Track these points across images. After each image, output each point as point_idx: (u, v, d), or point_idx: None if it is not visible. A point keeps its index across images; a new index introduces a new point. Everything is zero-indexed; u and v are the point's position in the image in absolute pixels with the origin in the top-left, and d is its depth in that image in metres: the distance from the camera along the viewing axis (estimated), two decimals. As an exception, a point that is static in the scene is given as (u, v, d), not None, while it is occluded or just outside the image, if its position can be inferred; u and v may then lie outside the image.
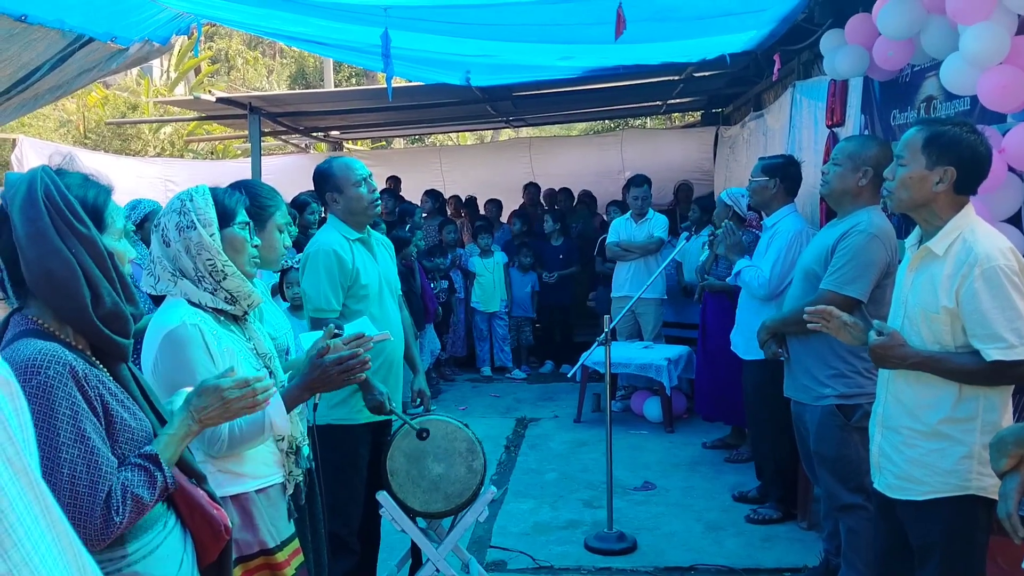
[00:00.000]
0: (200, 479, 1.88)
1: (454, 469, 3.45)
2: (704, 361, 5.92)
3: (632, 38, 5.01)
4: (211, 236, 2.24)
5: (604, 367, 6.41)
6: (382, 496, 3.45)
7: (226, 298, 2.28)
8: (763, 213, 4.71)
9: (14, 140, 10.23)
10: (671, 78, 8.35)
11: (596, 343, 4.41)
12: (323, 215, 6.59)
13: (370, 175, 3.58)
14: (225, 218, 2.30)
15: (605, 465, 4.51)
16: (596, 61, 6.77)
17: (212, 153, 14.87)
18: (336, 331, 2.73)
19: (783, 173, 4.54)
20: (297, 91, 15.43)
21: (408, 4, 4.52)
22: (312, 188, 3.87)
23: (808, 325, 2.79)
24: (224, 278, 2.25)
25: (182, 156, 14.10)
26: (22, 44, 5.06)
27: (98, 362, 1.71)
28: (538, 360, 8.91)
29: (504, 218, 10.12)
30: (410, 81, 8.04)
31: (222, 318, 2.31)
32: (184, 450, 1.82)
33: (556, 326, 8.78)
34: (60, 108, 14.06)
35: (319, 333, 2.85)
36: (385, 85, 8.68)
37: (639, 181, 7.30)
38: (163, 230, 2.27)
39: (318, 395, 2.43)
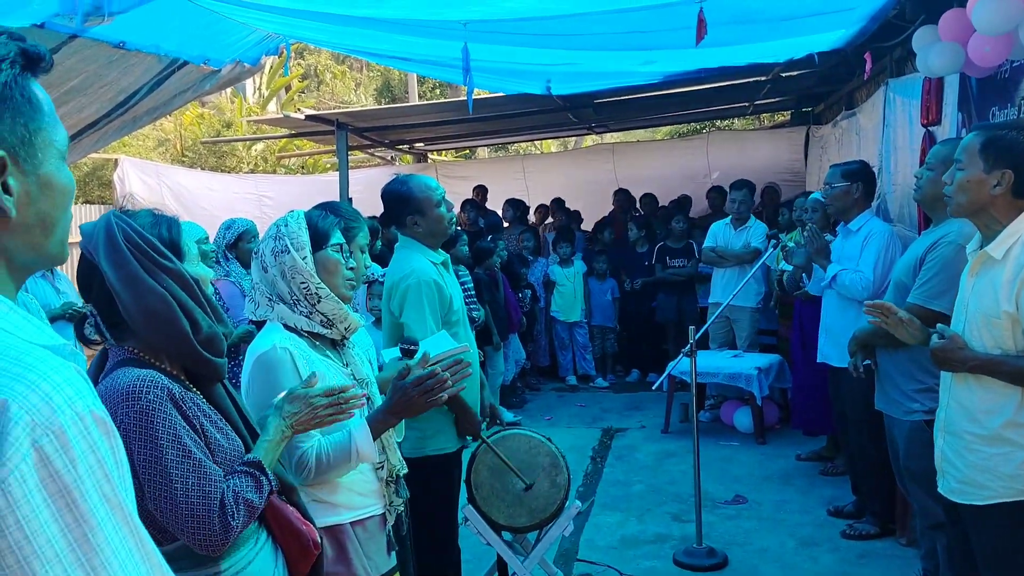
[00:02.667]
0: (290, 492, 1.92)
1: (538, 484, 3.43)
2: (801, 371, 5.73)
3: (715, 41, 4.91)
4: (303, 259, 2.26)
5: (691, 376, 6.37)
6: (469, 510, 3.46)
7: (322, 321, 2.29)
8: (842, 219, 4.58)
9: (116, 160, 10.74)
10: (758, 79, 8.17)
11: (682, 353, 4.32)
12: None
13: (445, 192, 3.45)
14: (319, 241, 2.32)
15: (693, 477, 4.42)
16: (679, 65, 6.68)
17: (303, 168, 15.28)
18: (411, 347, 2.76)
19: (864, 177, 4.45)
20: (382, 106, 15.71)
21: (487, 18, 4.54)
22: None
23: (869, 321, 2.82)
24: (318, 301, 2.27)
25: (274, 171, 14.53)
26: (121, 69, 5.30)
27: (192, 386, 1.78)
28: (624, 369, 8.82)
29: (588, 225, 10.06)
30: (492, 92, 8.09)
31: (318, 343, 2.32)
32: (277, 465, 1.88)
33: (642, 335, 8.66)
34: (158, 128, 14.66)
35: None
36: (481, 96, 8.82)
37: (739, 185, 7.12)
38: (261, 256, 2.31)
39: None
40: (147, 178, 10.48)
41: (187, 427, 1.67)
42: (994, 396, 2.47)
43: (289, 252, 2.26)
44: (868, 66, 5.95)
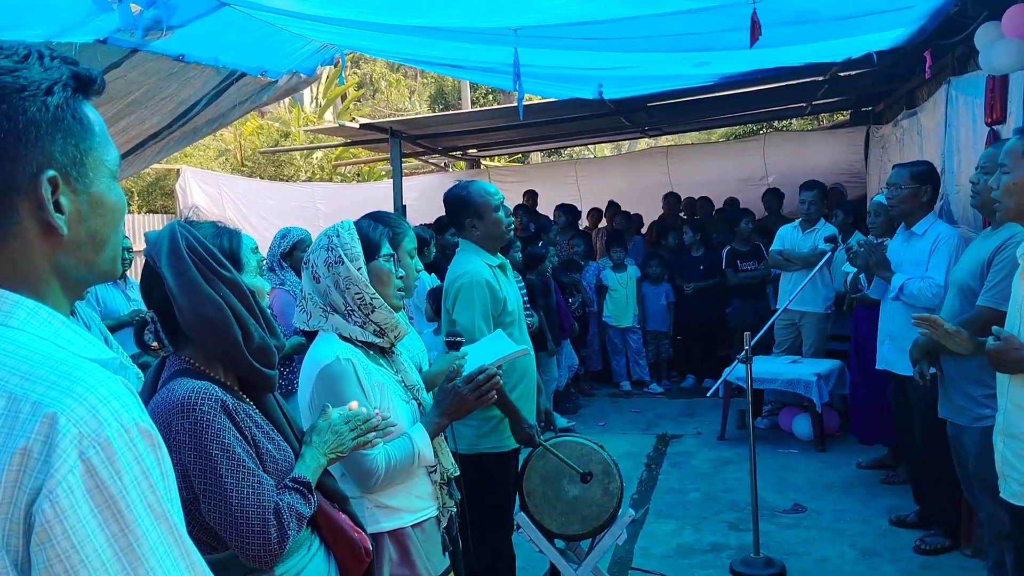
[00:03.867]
0: (342, 501, 1.95)
1: (590, 491, 3.41)
2: (859, 378, 5.59)
3: (769, 42, 4.83)
4: (358, 270, 2.29)
5: (747, 383, 6.26)
6: (521, 517, 3.45)
7: (375, 331, 2.32)
8: (904, 222, 4.44)
9: (178, 170, 11.02)
10: (815, 79, 8.02)
11: (736, 360, 4.25)
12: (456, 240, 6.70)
13: (504, 198, 3.59)
14: (370, 251, 2.35)
15: (750, 486, 4.34)
16: (733, 66, 6.59)
17: (358, 175, 15.48)
18: (457, 339, 2.80)
19: (932, 179, 4.31)
20: (435, 114, 15.85)
21: (537, 23, 4.54)
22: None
23: (920, 339, 2.73)
24: (373, 311, 2.30)
25: (330, 180, 14.75)
26: (181, 82, 5.43)
27: (245, 396, 1.82)
28: (679, 374, 8.71)
29: (643, 230, 9.99)
30: (543, 98, 8.09)
31: (371, 352, 2.35)
32: (328, 477, 1.92)
33: (697, 339, 8.56)
34: (219, 138, 15.01)
35: (470, 362, 2.90)
36: (532, 102, 8.83)
37: (809, 185, 6.91)
38: (313, 267, 2.33)
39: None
40: (208, 187, 10.74)
41: (240, 438, 1.71)
42: None
43: (344, 263, 2.28)
44: (928, 64, 5.80)
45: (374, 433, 1.99)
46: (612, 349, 8.58)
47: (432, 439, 2.32)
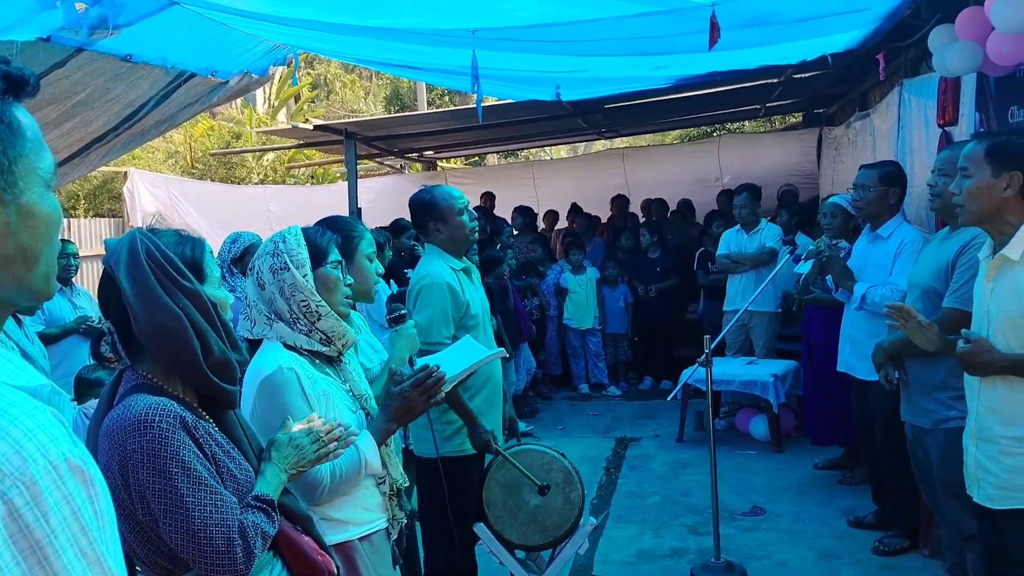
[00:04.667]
0: (304, 522, 1.89)
1: (551, 500, 3.36)
2: (812, 380, 5.63)
3: (727, 45, 4.83)
4: (304, 277, 2.22)
5: (706, 383, 6.28)
6: (479, 528, 3.39)
7: (321, 339, 2.25)
8: (870, 223, 4.42)
9: (125, 173, 10.74)
10: (769, 81, 8.09)
11: (697, 363, 4.23)
12: (415, 244, 6.64)
13: (468, 203, 3.57)
14: (317, 258, 2.28)
15: (710, 488, 4.32)
16: (690, 69, 6.60)
17: (312, 177, 15.27)
18: (402, 312, 2.80)
19: (901, 181, 4.30)
20: (391, 115, 15.72)
21: (495, 25, 4.48)
22: (408, 212, 3.82)
23: (888, 324, 2.81)
24: (319, 319, 2.23)
25: (284, 182, 14.52)
26: (128, 83, 5.27)
27: (204, 413, 1.75)
28: (637, 376, 8.72)
29: (597, 232, 9.99)
30: (501, 99, 8.03)
31: (317, 360, 2.28)
32: (288, 496, 1.85)
33: (655, 341, 8.57)
34: (168, 140, 14.68)
35: (430, 360, 2.84)
36: (490, 103, 8.76)
37: (740, 189, 7.04)
38: (258, 273, 2.26)
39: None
40: (156, 190, 10.48)
41: (200, 455, 1.64)
42: None
43: (289, 269, 2.21)
44: (882, 67, 5.86)
45: (335, 444, 1.92)
46: (571, 352, 8.56)
47: (380, 445, 2.24)
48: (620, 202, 10.15)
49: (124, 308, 1.66)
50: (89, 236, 11.10)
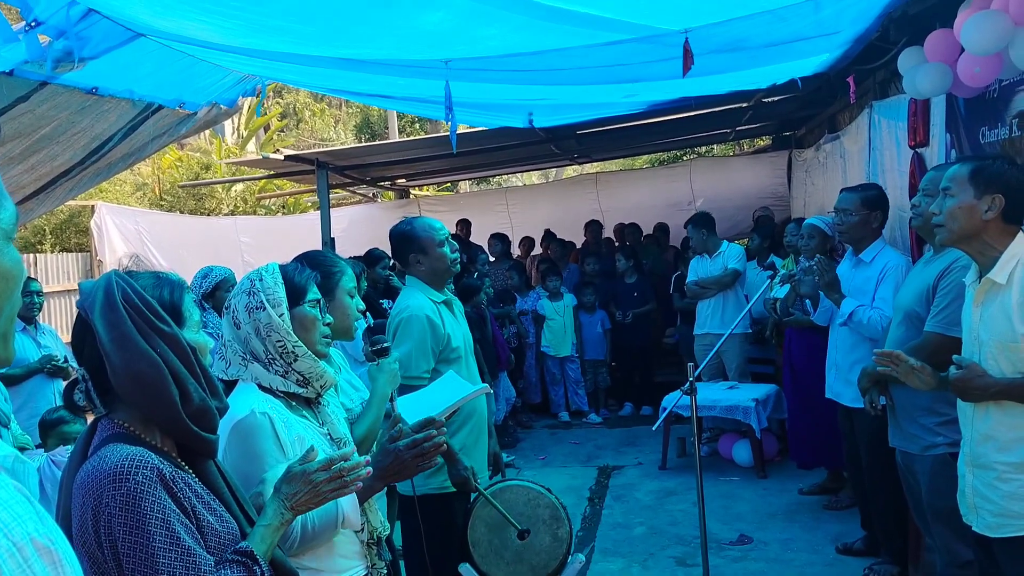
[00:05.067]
0: None
1: (538, 538, 3.27)
2: (796, 403, 5.60)
3: (700, 71, 4.84)
4: (280, 316, 2.14)
5: (688, 408, 6.23)
6: (465, 569, 3.28)
7: (298, 380, 2.17)
8: (852, 247, 4.39)
9: (93, 206, 10.57)
10: (739, 105, 8.13)
11: (680, 391, 4.17)
12: (390, 275, 6.57)
13: (449, 234, 3.51)
14: (295, 296, 2.20)
15: (696, 517, 4.25)
16: (662, 95, 6.62)
17: (283, 207, 15.13)
18: (384, 345, 2.74)
19: (882, 204, 4.27)
20: (362, 144, 15.65)
21: (468, 55, 4.45)
22: (381, 241, 3.76)
23: (877, 369, 2.69)
24: (295, 359, 2.15)
25: (255, 212, 14.37)
26: (94, 116, 5.17)
27: (184, 464, 1.67)
28: (617, 403, 8.66)
29: (572, 257, 9.97)
30: (474, 127, 8.01)
31: (294, 403, 2.20)
32: (277, 551, 1.76)
33: (634, 367, 8.52)
34: (136, 172, 14.49)
35: (413, 397, 2.75)
36: (448, 133, 8.73)
37: (687, 223, 7.31)
38: (233, 312, 2.19)
39: None
40: (124, 224, 10.33)
41: (177, 511, 1.55)
42: (1021, 421, 2.45)
43: (265, 309, 2.13)
44: (852, 89, 5.90)
45: (351, 488, 1.83)
46: (550, 379, 8.48)
47: (363, 502, 2.16)
48: (594, 227, 10.15)
49: (99, 354, 1.58)
50: (56, 271, 10.89)
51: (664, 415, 4.51)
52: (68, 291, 10.94)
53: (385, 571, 2.28)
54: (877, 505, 4.26)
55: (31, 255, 10.77)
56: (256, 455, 2.02)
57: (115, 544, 1.49)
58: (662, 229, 10.30)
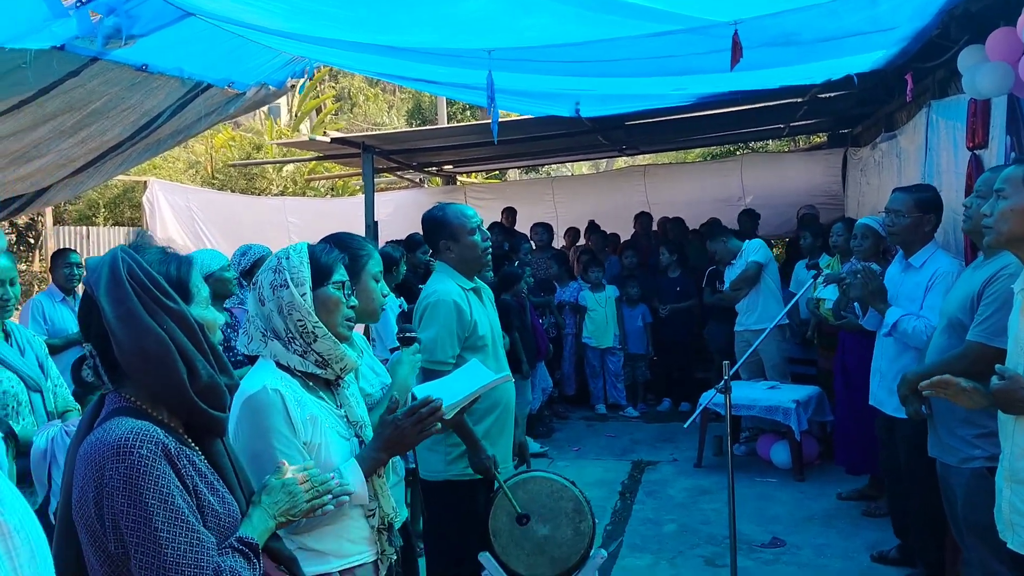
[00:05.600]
0: (289, 563, 1.80)
1: (560, 531, 3.24)
2: (847, 406, 5.43)
3: (750, 64, 4.72)
4: (303, 296, 2.13)
5: (724, 409, 6.12)
6: (484, 558, 3.27)
7: (317, 361, 2.16)
8: (903, 250, 4.23)
9: (145, 183, 10.76)
10: (794, 100, 7.96)
11: (715, 389, 4.09)
12: (430, 260, 6.57)
13: (482, 222, 3.48)
14: (320, 277, 2.19)
15: (728, 518, 4.17)
16: (711, 87, 6.49)
17: (332, 190, 15.26)
18: (410, 334, 2.76)
19: (937, 207, 4.09)
20: (409, 129, 15.70)
21: (512, 45, 4.40)
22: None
23: (924, 394, 2.57)
24: (315, 340, 2.14)
25: (303, 194, 14.52)
26: (144, 92, 5.24)
27: (191, 441, 1.66)
28: (655, 397, 8.57)
29: (614, 249, 9.87)
30: (520, 114, 7.96)
31: (311, 383, 2.19)
32: (274, 535, 1.76)
33: (674, 362, 8.41)
34: (189, 150, 14.75)
35: (436, 384, 2.73)
36: (510, 119, 8.67)
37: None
38: (259, 288, 2.19)
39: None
40: (175, 200, 10.50)
41: (181, 488, 1.54)
42: None
43: (288, 287, 2.13)
44: (910, 87, 5.72)
45: (329, 496, 1.82)
46: (590, 371, 8.43)
47: (369, 475, 2.13)
48: (643, 219, 10.01)
49: (105, 331, 1.57)
50: (107, 245, 11.14)
51: (697, 412, 4.42)
52: (120, 265, 11.18)
53: (395, 557, 2.26)
54: (915, 515, 4.13)
55: (84, 228, 11.04)
56: (265, 431, 2.02)
57: (116, 519, 1.48)
58: (716, 224, 10.11)
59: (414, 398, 2.49)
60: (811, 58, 5.41)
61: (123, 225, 12.01)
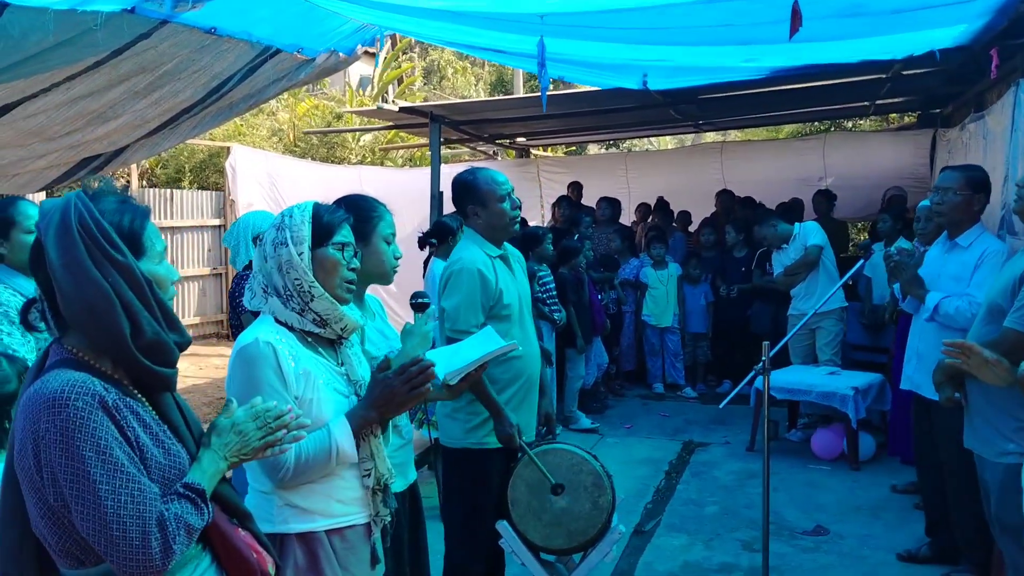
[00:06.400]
0: (243, 517, 1.78)
1: (578, 504, 3.22)
2: (901, 393, 5.23)
3: (814, 35, 4.54)
4: (300, 255, 2.13)
5: (781, 392, 5.97)
6: (502, 526, 3.28)
7: (315, 320, 2.16)
8: (947, 231, 4.05)
9: (228, 148, 11.06)
10: (876, 76, 7.62)
11: (753, 371, 3.99)
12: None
13: (512, 189, 3.43)
14: (320, 237, 2.18)
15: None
16: (784, 60, 6.26)
17: (410, 160, 15.40)
18: (424, 300, 2.69)
19: (986, 188, 3.91)
20: (476, 99, 15.66)
21: (565, 10, 4.32)
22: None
23: (946, 361, 2.43)
24: (311, 299, 2.14)
25: (381, 163, 14.70)
26: (213, 55, 5.36)
27: (137, 393, 1.64)
28: (716, 379, 8.41)
29: (693, 228, 9.68)
30: (589, 86, 7.83)
31: (310, 339, 2.19)
32: (226, 487, 1.75)
33: (736, 343, 8.23)
34: (273, 118, 15.08)
35: (448, 349, 2.73)
36: (575, 91, 8.57)
37: (757, 222, 7.16)
38: (263, 246, 2.20)
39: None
40: (255, 166, 10.76)
41: (120, 439, 1.52)
42: None
43: (287, 245, 2.13)
44: (994, 63, 5.41)
45: (284, 432, 1.76)
46: (649, 349, 8.32)
47: (358, 433, 2.11)
48: (724, 197, 9.76)
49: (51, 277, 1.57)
50: (191, 207, 11.53)
51: (733, 393, 4.30)
52: (201, 227, 11.57)
53: (389, 519, 2.24)
54: (959, 510, 3.94)
55: (169, 190, 11.44)
56: (255, 382, 2.03)
57: (54, 472, 1.48)
58: (797, 204, 9.78)
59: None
60: (885, 30, 5.16)
61: (207, 189, 12.40)
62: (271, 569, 1.75)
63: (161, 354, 1.63)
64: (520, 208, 3.44)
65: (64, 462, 1.48)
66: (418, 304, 2.72)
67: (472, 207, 3.32)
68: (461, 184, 3.36)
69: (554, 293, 6.59)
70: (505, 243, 3.45)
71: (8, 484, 1.59)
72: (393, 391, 2.12)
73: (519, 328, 3.33)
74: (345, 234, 2.23)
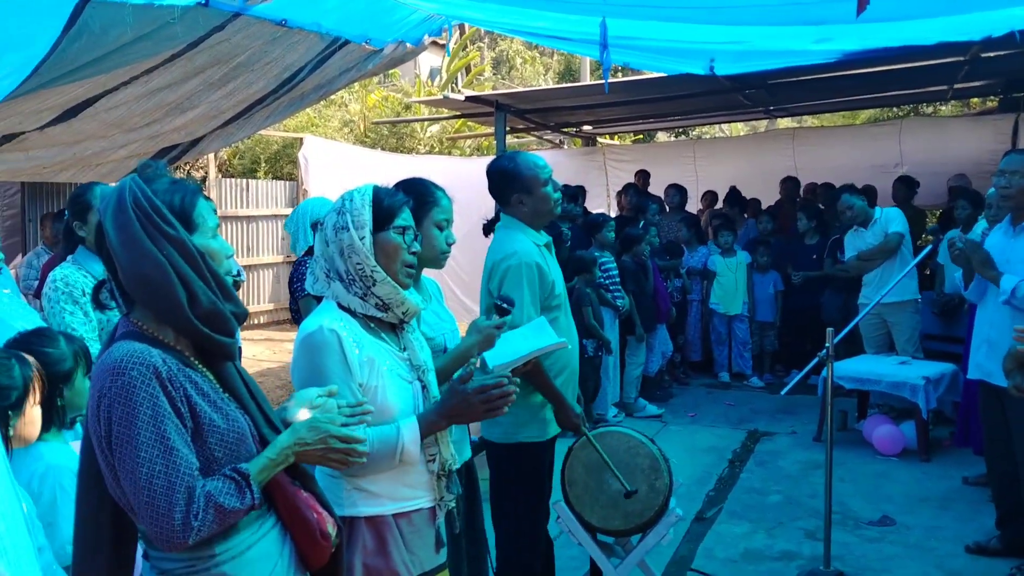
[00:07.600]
0: (305, 479, 1.84)
1: (635, 486, 3.23)
2: (972, 382, 5.10)
3: (884, 14, 4.42)
4: (361, 239, 2.14)
5: (850, 381, 5.87)
6: (560, 506, 3.31)
7: (377, 304, 2.17)
8: (1012, 215, 3.92)
9: (301, 139, 11.31)
10: (954, 59, 7.37)
11: (816, 358, 3.93)
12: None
13: (552, 173, 3.32)
14: (381, 221, 2.18)
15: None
16: (856, 43, 6.10)
17: (478, 150, 15.51)
18: (507, 305, 2.67)
19: None
20: (541, 88, 15.62)
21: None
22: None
23: (1017, 348, 2.37)
24: (374, 284, 2.15)
25: (449, 153, 14.83)
26: (285, 47, 5.51)
27: (198, 363, 1.73)
28: (784, 368, 8.27)
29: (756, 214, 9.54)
30: (653, 72, 7.77)
31: (372, 325, 2.21)
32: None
33: (805, 332, 8.08)
34: (344, 109, 15.35)
35: (505, 350, 2.70)
36: (640, 77, 8.50)
37: (855, 190, 6.94)
38: (324, 230, 2.22)
39: None
40: (327, 157, 10.99)
41: (171, 411, 1.62)
42: None
43: (349, 230, 2.14)
44: (1078, 44, 5.19)
45: (341, 455, 1.82)
46: (715, 338, 8.24)
47: (426, 436, 2.13)
48: (789, 185, 9.59)
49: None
50: (266, 197, 11.84)
51: (796, 379, 4.25)
52: (276, 216, 11.86)
53: (453, 504, 2.25)
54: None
55: (245, 180, 11.77)
56: (320, 370, 2.06)
57: (110, 431, 1.61)
58: (869, 192, 9.55)
59: (483, 364, 2.52)
60: (962, 9, 5.00)
61: (281, 179, 12.71)
62: (331, 529, 1.80)
63: (219, 322, 1.72)
64: (560, 191, 3.38)
65: (118, 425, 1.60)
66: (500, 308, 2.67)
67: (517, 195, 3.18)
68: (501, 172, 3.22)
69: (617, 280, 6.58)
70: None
71: (87, 451, 1.72)
72: (470, 407, 2.14)
73: (564, 316, 3.26)
74: (406, 217, 2.23)
